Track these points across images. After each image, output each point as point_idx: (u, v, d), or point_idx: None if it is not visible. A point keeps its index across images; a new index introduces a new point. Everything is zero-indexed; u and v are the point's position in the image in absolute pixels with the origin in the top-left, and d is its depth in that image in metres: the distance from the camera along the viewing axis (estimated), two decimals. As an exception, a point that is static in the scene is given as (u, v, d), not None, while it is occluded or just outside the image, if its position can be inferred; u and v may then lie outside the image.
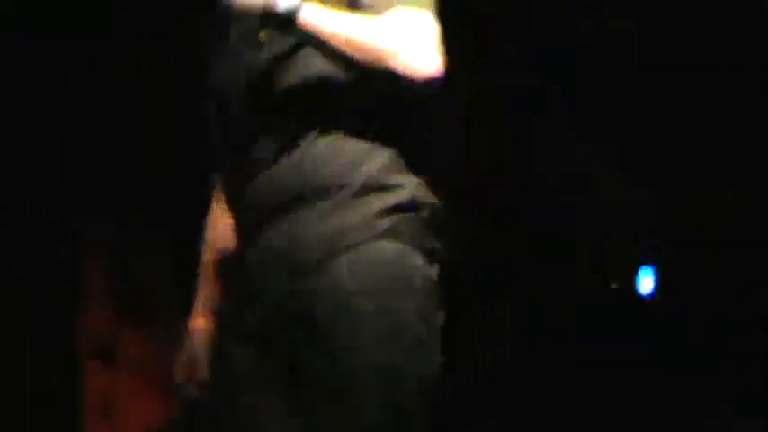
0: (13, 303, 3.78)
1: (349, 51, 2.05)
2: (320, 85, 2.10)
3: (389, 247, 2.04)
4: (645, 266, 4.48)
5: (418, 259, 2.06)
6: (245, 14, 2.08)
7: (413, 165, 2.13)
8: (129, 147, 3.93)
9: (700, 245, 4.10)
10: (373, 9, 2.10)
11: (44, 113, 3.80)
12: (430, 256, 2.09)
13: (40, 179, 3.84)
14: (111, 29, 3.69)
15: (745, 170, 4.01)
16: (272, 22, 2.08)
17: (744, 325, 4.00)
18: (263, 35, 2.14)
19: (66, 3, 3.65)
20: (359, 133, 2.10)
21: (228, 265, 2.27)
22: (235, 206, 2.20)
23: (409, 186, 2.10)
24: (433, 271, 2.09)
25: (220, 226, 2.32)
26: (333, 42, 2.06)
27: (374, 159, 2.09)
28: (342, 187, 2.06)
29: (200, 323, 2.31)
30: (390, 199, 2.07)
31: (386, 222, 2.06)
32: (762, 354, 3.86)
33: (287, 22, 2.06)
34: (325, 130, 2.10)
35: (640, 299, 4.41)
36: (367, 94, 2.10)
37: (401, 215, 2.07)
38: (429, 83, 2.05)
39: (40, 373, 3.85)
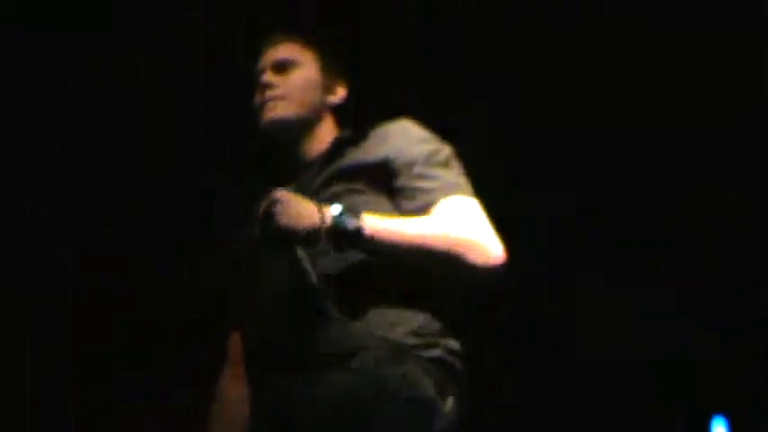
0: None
1: (421, 255, 2.15)
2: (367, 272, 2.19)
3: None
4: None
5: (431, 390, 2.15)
6: (296, 237, 2.11)
7: (445, 321, 2.24)
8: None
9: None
10: (421, 209, 2.22)
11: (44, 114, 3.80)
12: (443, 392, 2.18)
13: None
14: (112, 29, 3.69)
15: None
16: (338, 242, 2.12)
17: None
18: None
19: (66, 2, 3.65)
20: (396, 303, 2.20)
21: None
22: (256, 360, 2.25)
23: (441, 343, 2.20)
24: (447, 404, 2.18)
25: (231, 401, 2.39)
26: (403, 250, 2.14)
27: (409, 322, 2.19)
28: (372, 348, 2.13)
29: None
30: (424, 354, 2.17)
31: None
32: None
33: (354, 238, 2.12)
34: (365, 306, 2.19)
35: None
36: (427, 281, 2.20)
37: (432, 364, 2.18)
38: (500, 269, 2.16)
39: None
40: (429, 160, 2.26)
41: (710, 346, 4.15)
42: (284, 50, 2.46)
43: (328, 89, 2.48)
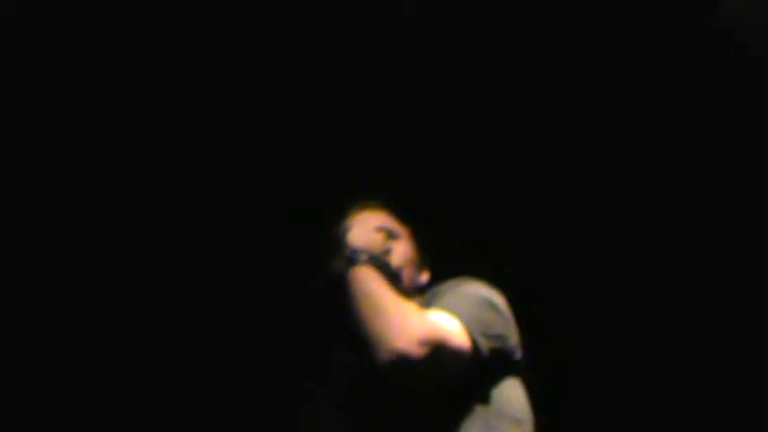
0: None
1: (361, 310, 2.22)
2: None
3: None
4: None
5: None
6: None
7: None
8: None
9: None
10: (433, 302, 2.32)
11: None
12: None
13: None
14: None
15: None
16: (342, 257, 2.31)
17: None
18: None
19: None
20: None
21: None
22: None
23: None
24: None
25: None
26: (356, 298, 2.24)
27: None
28: None
29: None
30: None
31: None
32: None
33: (349, 262, 2.28)
34: None
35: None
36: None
37: None
38: (395, 361, 2.15)
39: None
40: (450, 291, 2.37)
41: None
42: (386, 219, 2.55)
43: (420, 269, 2.57)
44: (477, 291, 2.37)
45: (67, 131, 3.61)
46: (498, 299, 2.39)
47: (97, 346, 3.59)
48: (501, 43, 3.65)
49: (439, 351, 2.16)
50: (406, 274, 2.47)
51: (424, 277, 2.57)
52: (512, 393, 2.37)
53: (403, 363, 2.14)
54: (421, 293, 2.52)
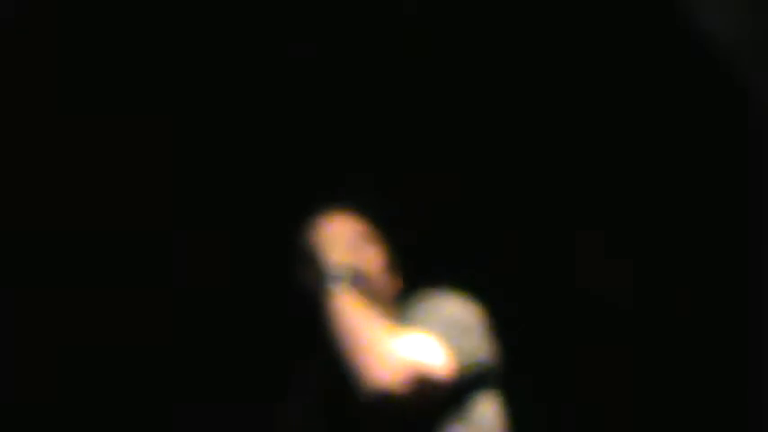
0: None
1: (341, 338, 2.17)
2: None
3: None
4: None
5: None
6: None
7: None
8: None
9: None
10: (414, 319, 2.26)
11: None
12: None
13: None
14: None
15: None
16: (316, 273, 2.26)
17: None
18: None
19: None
20: None
21: None
22: None
23: None
24: None
25: None
26: (334, 323, 2.19)
27: None
28: None
29: None
30: None
31: None
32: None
33: (326, 279, 2.24)
34: None
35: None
36: None
37: None
38: (378, 397, 2.12)
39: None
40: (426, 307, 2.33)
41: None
42: (357, 224, 2.43)
43: (393, 275, 2.47)
44: (453, 306, 2.32)
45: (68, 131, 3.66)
46: (474, 317, 2.34)
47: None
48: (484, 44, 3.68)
49: (423, 386, 2.14)
50: (381, 283, 2.39)
51: (398, 283, 2.49)
52: (486, 409, 2.34)
53: (386, 401, 2.12)
54: (395, 301, 2.46)
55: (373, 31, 3.70)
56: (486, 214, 3.77)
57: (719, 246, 3.73)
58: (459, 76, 3.73)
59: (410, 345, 2.17)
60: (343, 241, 2.34)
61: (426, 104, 3.73)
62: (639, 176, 3.77)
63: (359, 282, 2.26)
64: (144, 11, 3.60)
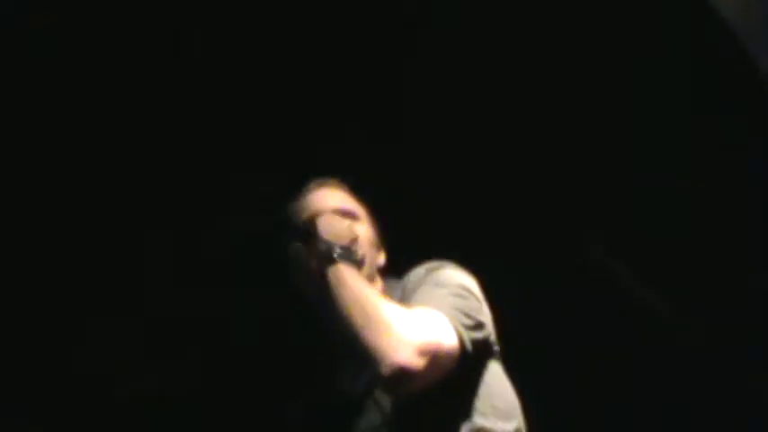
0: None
1: (351, 318, 2.16)
2: None
3: None
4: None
5: None
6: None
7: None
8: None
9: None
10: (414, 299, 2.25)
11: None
12: None
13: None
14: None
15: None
16: (314, 252, 2.25)
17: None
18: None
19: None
20: None
21: None
22: None
23: None
24: None
25: None
26: (343, 302, 2.17)
27: None
28: None
29: None
30: None
31: None
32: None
33: (326, 259, 2.23)
34: None
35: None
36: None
37: None
38: (398, 375, 2.12)
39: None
40: (426, 281, 2.32)
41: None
42: (344, 200, 2.48)
43: (378, 249, 2.50)
44: (451, 278, 2.33)
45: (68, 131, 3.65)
46: (471, 283, 2.37)
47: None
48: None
49: (436, 356, 2.16)
50: (369, 258, 2.41)
51: (382, 257, 2.51)
52: (497, 384, 2.35)
53: (405, 375, 2.12)
54: (381, 276, 2.49)
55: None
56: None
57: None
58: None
59: (421, 320, 2.18)
60: (337, 218, 2.35)
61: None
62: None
63: (355, 261, 2.27)
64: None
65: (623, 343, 3.82)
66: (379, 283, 2.45)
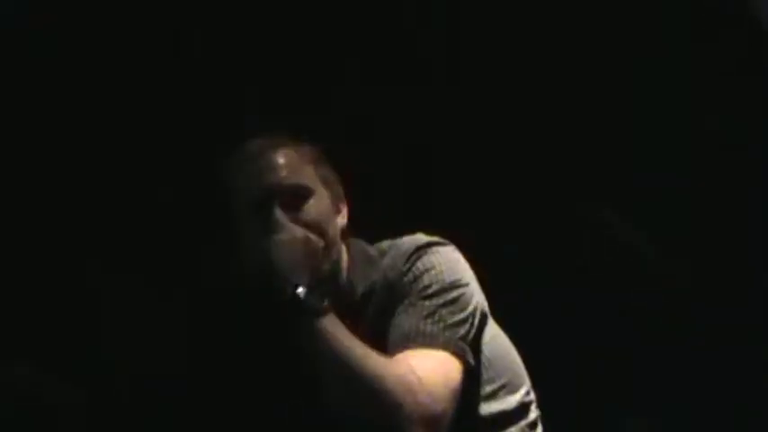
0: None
1: (351, 381, 1.98)
2: None
3: None
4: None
5: None
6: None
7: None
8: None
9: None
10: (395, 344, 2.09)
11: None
12: None
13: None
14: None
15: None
16: (293, 309, 2.00)
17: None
18: None
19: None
20: None
21: None
22: None
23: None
24: None
25: None
26: (339, 363, 1.98)
27: None
28: None
29: None
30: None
31: None
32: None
33: (309, 312, 1.99)
34: None
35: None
36: None
37: None
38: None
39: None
40: (425, 291, 2.16)
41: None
42: (289, 170, 2.16)
43: (338, 210, 2.23)
44: (437, 278, 2.17)
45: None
46: (456, 267, 2.21)
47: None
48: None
49: (453, 394, 2.07)
50: (330, 227, 2.15)
51: (343, 218, 2.24)
52: (496, 355, 2.26)
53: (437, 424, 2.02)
54: (346, 241, 2.25)
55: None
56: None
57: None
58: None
59: (423, 379, 2.05)
60: (295, 236, 2.09)
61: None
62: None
63: (327, 296, 2.05)
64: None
65: (623, 343, 3.81)
66: (344, 255, 2.23)
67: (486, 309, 2.27)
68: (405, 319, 2.13)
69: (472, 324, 2.18)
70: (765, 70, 3.59)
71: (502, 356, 2.28)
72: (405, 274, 2.18)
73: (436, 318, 2.12)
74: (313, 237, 2.11)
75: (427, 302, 2.14)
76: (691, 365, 3.81)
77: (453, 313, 2.15)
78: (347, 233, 2.26)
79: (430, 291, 2.16)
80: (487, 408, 2.22)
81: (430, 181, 3.73)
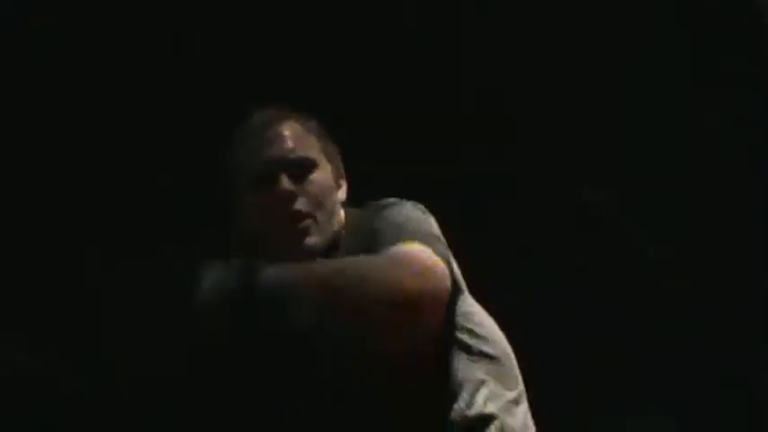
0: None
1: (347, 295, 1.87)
2: None
3: None
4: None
5: None
6: None
7: None
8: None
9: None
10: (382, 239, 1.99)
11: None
12: None
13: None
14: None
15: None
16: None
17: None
18: None
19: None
20: None
21: None
22: None
23: None
24: None
25: None
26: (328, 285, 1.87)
27: None
28: None
29: None
30: None
31: None
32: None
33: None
34: None
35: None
36: None
37: None
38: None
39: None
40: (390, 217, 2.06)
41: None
42: (296, 142, 2.13)
43: (338, 186, 2.20)
44: (413, 212, 2.08)
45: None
46: (434, 223, 2.12)
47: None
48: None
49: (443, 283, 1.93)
50: (329, 202, 2.12)
51: (343, 192, 2.21)
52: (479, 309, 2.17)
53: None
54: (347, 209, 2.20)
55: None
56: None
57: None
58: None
59: (412, 255, 1.95)
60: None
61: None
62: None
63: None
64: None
65: (623, 343, 3.81)
66: (342, 231, 2.17)
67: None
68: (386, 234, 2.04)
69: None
70: (766, 70, 3.58)
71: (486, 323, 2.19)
72: (379, 220, 2.10)
73: (412, 233, 2.03)
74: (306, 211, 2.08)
75: (410, 223, 2.06)
76: (691, 365, 3.81)
77: (437, 235, 2.06)
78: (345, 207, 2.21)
79: (400, 218, 2.08)
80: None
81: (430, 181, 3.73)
